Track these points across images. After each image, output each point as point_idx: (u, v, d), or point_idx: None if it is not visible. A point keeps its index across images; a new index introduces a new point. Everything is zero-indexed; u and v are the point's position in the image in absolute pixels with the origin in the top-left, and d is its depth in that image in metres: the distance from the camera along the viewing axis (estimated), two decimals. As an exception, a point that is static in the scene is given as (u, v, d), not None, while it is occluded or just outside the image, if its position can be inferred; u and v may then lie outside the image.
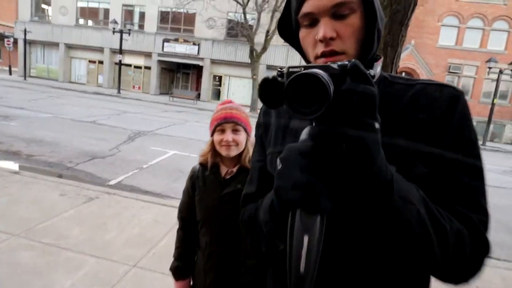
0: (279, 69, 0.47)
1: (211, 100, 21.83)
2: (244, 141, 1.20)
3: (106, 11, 22.33)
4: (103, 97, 16.90)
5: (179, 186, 4.16)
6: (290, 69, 0.44)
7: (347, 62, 0.42)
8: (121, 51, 19.06)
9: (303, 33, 0.61)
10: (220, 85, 22.05)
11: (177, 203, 1.44)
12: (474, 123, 0.62)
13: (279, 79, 0.46)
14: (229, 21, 20.18)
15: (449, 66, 18.62)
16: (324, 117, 0.41)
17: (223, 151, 1.18)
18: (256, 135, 0.78)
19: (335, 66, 0.43)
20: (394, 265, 0.55)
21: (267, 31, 16.14)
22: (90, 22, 23.09)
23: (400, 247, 0.49)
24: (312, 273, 0.45)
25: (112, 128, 8.36)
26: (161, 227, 3.00)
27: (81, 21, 23.05)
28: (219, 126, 1.17)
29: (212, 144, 1.21)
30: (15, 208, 3.04)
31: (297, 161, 0.44)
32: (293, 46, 0.68)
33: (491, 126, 15.86)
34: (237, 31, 18.47)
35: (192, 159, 1.05)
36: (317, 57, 0.58)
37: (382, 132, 0.43)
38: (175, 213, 1.39)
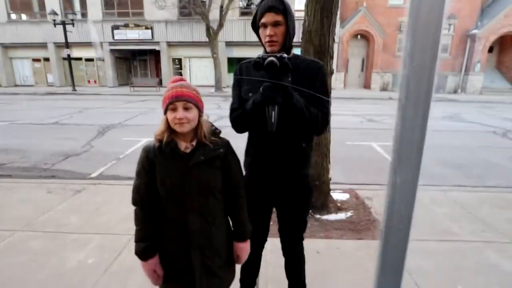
0: (259, 55, 1.34)
1: (173, 84, 21.39)
2: (195, 117, 1.24)
3: (41, 2, 20.50)
4: (58, 97, 16.07)
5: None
6: (263, 56, 1.30)
7: (283, 54, 1.28)
8: (67, 45, 17.93)
9: (261, 30, 1.42)
10: (181, 68, 21.62)
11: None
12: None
13: (258, 59, 1.29)
14: (180, -1, 19.49)
15: (399, 24, 19.53)
16: (275, 73, 1.28)
17: (177, 128, 1.21)
18: (234, 80, 1.56)
19: (278, 55, 1.27)
20: (300, 126, 1.44)
21: (221, 6, 15.89)
22: (24, 16, 21.16)
23: (298, 117, 1.37)
24: (275, 123, 1.35)
25: (77, 126, 8.25)
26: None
27: (14, 16, 21.04)
28: (170, 104, 1.20)
29: (167, 121, 1.23)
30: (7, 210, 3.23)
31: (267, 87, 1.31)
32: (256, 34, 1.46)
33: (435, 78, 17.32)
34: (189, 9, 17.94)
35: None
36: (266, 42, 1.39)
37: (292, 80, 1.36)
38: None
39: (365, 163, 5.29)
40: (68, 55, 18.23)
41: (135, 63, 23.12)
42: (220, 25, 16.45)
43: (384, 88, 20.28)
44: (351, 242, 2.69)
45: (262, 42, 1.42)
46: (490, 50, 19.88)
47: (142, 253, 1.30)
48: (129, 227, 2.87)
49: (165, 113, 1.23)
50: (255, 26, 1.45)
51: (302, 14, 2.90)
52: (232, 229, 1.42)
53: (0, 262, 2.34)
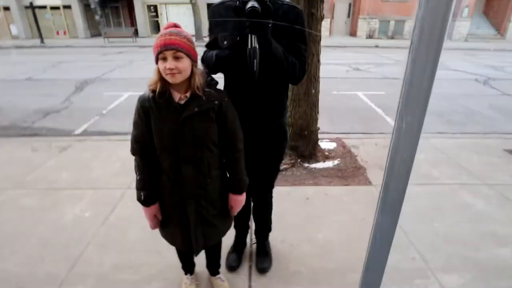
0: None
1: (151, 35, 20.07)
2: (187, 67, 1.17)
3: None
4: (26, 50, 14.83)
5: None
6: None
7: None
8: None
9: None
10: (157, 16, 20.07)
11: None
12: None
13: (238, 3, 1.19)
14: None
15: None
16: (256, 19, 1.18)
17: (168, 79, 1.17)
18: (209, 28, 1.48)
19: None
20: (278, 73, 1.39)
21: None
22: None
23: (276, 65, 1.33)
24: (257, 71, 1.30)
25: (53, 81, 7.78)
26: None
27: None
28: (160, 54, 1.14)
29: (159, 71, 1.18)
30: (-7, 169, 3.16)
31: (245, 36, 1.26)
32: None
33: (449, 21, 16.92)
34: None
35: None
36: None
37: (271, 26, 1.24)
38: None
39: (351, 112, 5.36)
40: (31, 3, 16.37)
41: (106, 10, 21.15)
42: (198, -35, 14.96)
43: (370, 36, 19.75)
44: (338, 188, 2.84)
45: None
46: (480, -8, 19.33)
47: (144, 201, 1.35)
48: (122, 182, 2.93)
49: (157, 62, 1.17)
50: None
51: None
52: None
53: (-5, 219, 2.36)
